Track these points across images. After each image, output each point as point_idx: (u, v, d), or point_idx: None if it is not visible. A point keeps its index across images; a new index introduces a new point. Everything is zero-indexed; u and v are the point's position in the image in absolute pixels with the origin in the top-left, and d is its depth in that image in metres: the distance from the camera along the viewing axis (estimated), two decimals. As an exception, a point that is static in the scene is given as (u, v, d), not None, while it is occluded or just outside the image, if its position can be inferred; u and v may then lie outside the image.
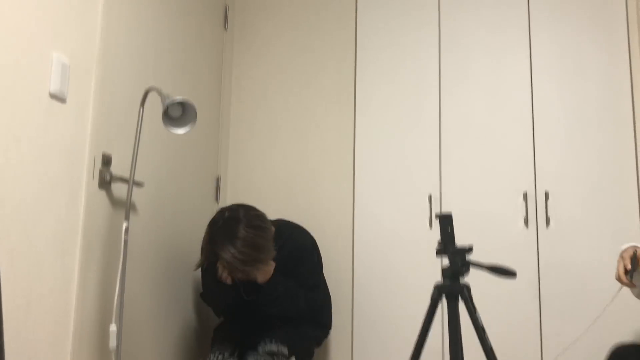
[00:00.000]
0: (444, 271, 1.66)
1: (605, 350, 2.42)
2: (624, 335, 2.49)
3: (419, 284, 2.73)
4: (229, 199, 3.09)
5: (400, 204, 2.84)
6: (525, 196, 2.70)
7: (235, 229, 2.12)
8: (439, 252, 1.67)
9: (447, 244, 1.65)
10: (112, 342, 1.97)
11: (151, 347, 2.44)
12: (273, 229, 2.29)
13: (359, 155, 2.93)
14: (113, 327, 1.97)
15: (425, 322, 1.64)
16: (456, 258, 1.63)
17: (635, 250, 1.84)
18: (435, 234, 2.77)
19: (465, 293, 1.60)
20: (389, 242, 2.82)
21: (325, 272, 2.64)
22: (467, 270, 1.64)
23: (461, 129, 2.82)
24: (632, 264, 1.83)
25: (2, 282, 1.64)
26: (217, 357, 2.30)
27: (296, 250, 2.41)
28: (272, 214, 3.03)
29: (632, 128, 2.61)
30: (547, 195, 2.67)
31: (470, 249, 1.66)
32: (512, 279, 1.64)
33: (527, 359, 2.58)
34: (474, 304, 1.59)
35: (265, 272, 2.24)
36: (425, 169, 2.84)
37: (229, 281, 2.26)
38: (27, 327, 1.82)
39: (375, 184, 2.89)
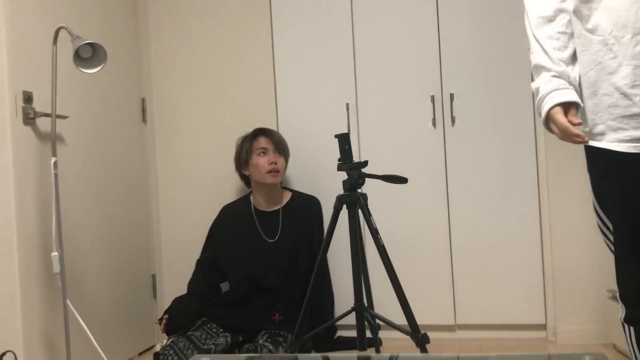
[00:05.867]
0: (344, 183, 1.89)
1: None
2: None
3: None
4: (156, 119, 3.21)
5: (321, 113, 3.03)
6: (432, 99, 2.92)
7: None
8: (340, 168, 1.89)
9: (345, 160, 1.87)
10: (56, 267, 2.17)
11: (95, 269, 2.65)
12: None
13: (280, 70, 3.07)
14: (55, 254, 2.16)
15: (330, 227, 1.89)
16: (353, 172, 1.86)
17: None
18: (352, 138, 2.99)
19: (362, 201, 1.85)
20: (312, 148, 3.03)
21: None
22: (363, 181, 1.87)
23: (373, 41, 2.97)
24: None
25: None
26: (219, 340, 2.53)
27: (312, 209, 2.88)
28: (198, 131, 3.18)
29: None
30: (452, 97, 2.90)
31: (365, 163, 1.88)
32: (404, 183, 1.87)
33: (438, 244, 2.92)
34: (369, 209, 1.84)
35: (282, 169, 2.80)
36: (342, 80, 3.01)
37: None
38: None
39: (296, 96, 3.06)
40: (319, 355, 1.11)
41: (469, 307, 2.90)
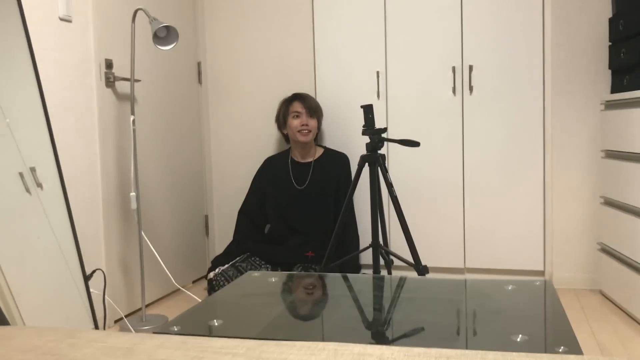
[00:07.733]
0: (367, 145, 2.32)
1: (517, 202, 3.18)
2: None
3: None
4: (210, 81, 3.67)
5: (354, 79, 3.44)
6: (453, 69, 3.29)
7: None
8: (364, 133, 2.31)
9: (368, 127, 2.29)
10: (133, 204, 2.68)
11: (160, 208, 3.17)
12: None
13: (319, 40, 3.47)
14: (133, 194, 2.67)
15: (354, 180, 2.32)
16: (374, 136, 2.27)
17: None
18: (381, 103, 3.40)
19: (380, 160, 2.27)
20: (345, 110, 3.46)
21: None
22: (382, 144, 2.29)
23: (402, 15, 3.34)
24: None
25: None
26: (258, 268, 3.07)
27: (339, 163, 3.28)
28: (246, 91, 3.63)
29: (541, 13, 3.14)
30: (471, 69, 3.26)
31: (384, 129, 2.30)
32: (417, 147, 2.28)
33: (453, 198, 3.34)
34: (386, 167, 2.26)
35: (314, 129, 3.22)
36: (374, 50, 3.39)
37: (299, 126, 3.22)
38: (69, 198, 2.52)
39: (332, 63, 3.46)
40: (339, 274, 1.54)
41: (477, 253, 3.33)
